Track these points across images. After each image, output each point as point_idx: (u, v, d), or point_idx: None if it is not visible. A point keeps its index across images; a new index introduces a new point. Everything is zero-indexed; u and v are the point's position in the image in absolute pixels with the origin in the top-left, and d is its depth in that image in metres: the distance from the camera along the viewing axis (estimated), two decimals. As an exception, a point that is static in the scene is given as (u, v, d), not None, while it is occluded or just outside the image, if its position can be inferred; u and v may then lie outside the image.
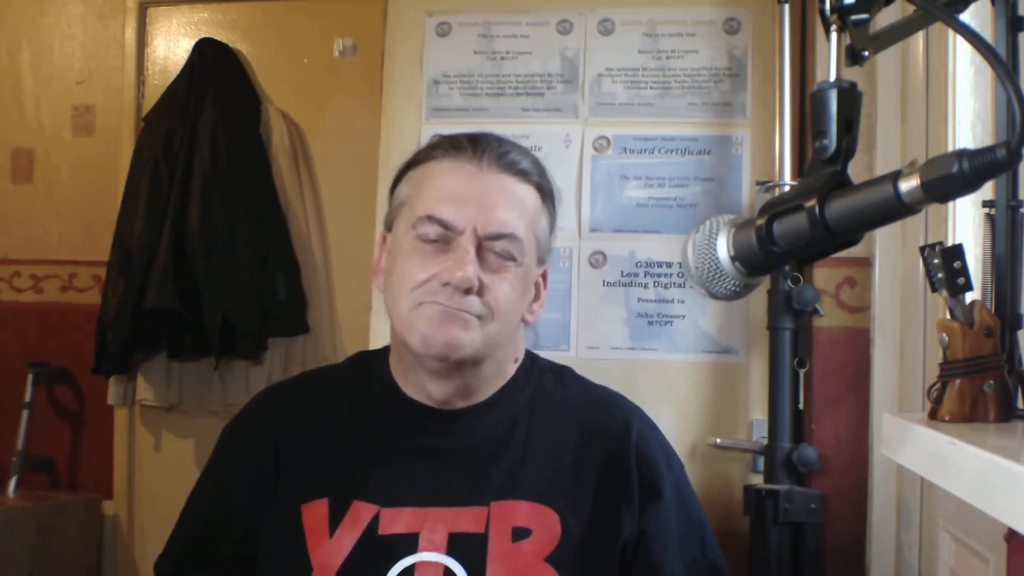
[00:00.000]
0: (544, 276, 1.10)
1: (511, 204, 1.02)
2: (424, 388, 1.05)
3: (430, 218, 0.99)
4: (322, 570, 0.97)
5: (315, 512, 1.00)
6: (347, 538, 0.98)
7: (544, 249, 1.08)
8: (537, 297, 1.09)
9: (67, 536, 2.65)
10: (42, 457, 2.80)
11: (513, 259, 1.01)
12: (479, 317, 0.99)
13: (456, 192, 1.00)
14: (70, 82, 2.92)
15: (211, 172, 2.51)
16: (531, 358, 1.13)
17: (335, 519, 1.00)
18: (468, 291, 0.97)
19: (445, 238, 0.99)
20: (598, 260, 1.81)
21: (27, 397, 2.75)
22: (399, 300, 1.01)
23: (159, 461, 2.76)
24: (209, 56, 2.64)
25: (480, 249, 0.99)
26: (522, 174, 1.04)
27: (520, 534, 0.98)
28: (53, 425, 2.85)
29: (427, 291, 0.98)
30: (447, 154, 1.04)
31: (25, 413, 2.74)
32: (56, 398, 2.88)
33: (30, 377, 2.77)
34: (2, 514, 2.51)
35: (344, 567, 0.97)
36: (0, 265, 2.95)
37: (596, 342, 1.80)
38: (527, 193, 1.04)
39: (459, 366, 1.02)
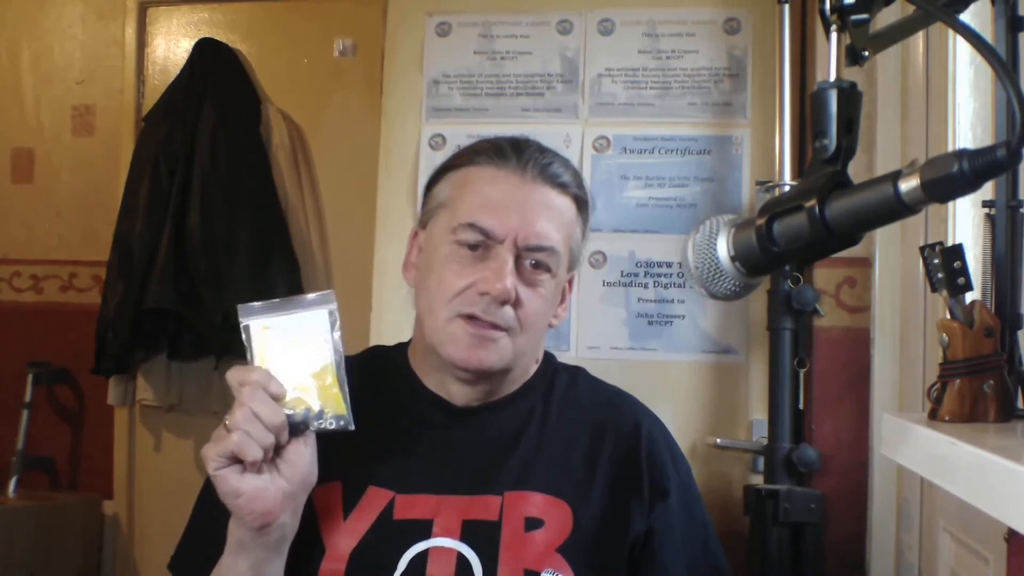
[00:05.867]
0: (570, 281, 1.12)
1: (551, 216, 1.03)
2: (446, 388, 1.07)
3: (471, 225, 1.01)
4: (335, 552, 0.98)
5: (327, 494, 1.01)
6: (361, 522, 1.00)
7: (575, 257, 1.10)
8: (562, 301, 1.11)
9: (67, 536, 2.66)
10: (42, 457, 2.80)
11: (549, 271, 1.03)
12: (509, 331, 1.01)
13: (498, 201, 1.02)
14: (70, 82, 2.92)
15: (211, 172, 2.51)
16: (547, 358, 1.15)
17: (349, 503, 1.01)
18: (504, 302, 0.99)
19: (484, 246, 1.01)
20: (598, 260, 1.81)
21: (27, 397, 2.75)
22: (435, 307, 1.02)
23: (159, 461, 2.76)
24: (209, 56, 2.64)
25: (517, 259, 1.01)
26: (563, 186, 1.06)
27: (532, 524, 1.00)
28: (53, 425, 2.85)
29: (464, 301, 1.00)
30: (491, 160, 1.05)
31: (25, 413, 2.74)
32: (56, 398, 2.88)
33: (30, 377, 2.77)
34: (2, 514, 2.52)
35: (358, 550, 0.98)
36: (0, 265, 2.95)
37: (596, 342, 1.80)
38: (565, 205, 1.06)
39: (487, 376, 1.04)
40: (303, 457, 0.90)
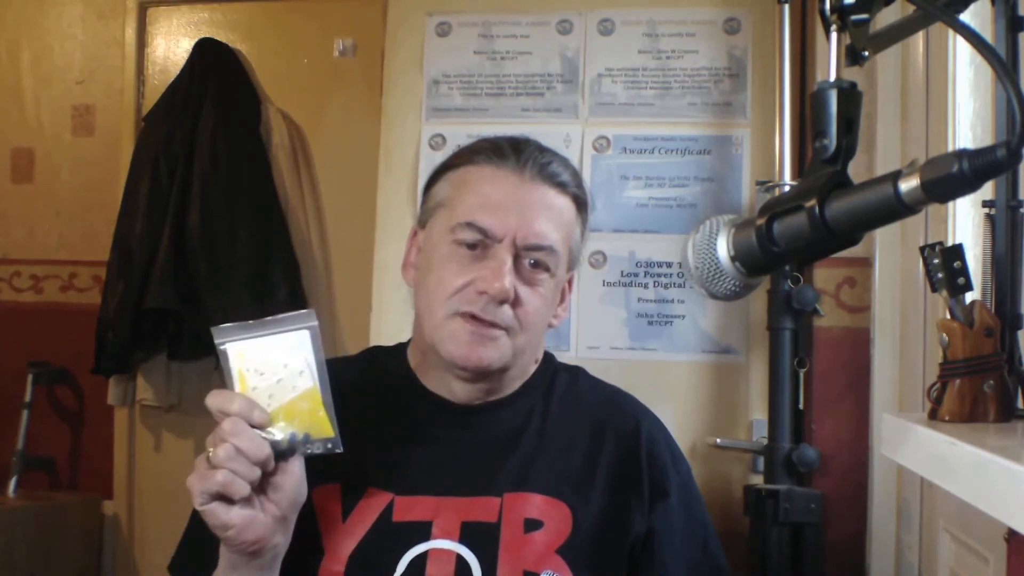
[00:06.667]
0: (570, 281, 1.12)
1: (550, 216, 1.03)
2: (448, 387, 1.07)
3: (469, 225, 1.01)
4: (334, 553, 0.98)
5: (327, 496, 1.01)
6: (361, 524, 0.99)
7: (575, 257, 1.10)
8: (562, 301, 1.11)
9: (67, 536, 2.66)
10: (42, 457, 2.81)
11: (548, 270, 1.03)
12: (508, 330, 1.01)
13: (497, 200, 1.02)
14: (70, 82, 2.92)
15: (211, 172, 2.51)
16: (547, 358, 1.15)
17: (349, 505, 1.01)
18: (503, 302, 0.99)
19: (483, 245, 1.01)
20: (598, 260, 1.81)
21: (27, 397, 2.75)
22: (434, 306, 1.02)
23: (159, 461, 2.76)
24: (209, 56, 2.64)
25: (516, 259, 1.01)
26: (562, 185, 1.05)
27: (532, 525, 1.00)
28: (53, 425, 2.86)
29: (463, 299, 1.00)
30: (489, 160, 1.05)
31: (25, 413, 2.74)
32: (56, 398, 2.88)
33: (30, 377, 2.77)
34: (2, 514, 2.52)
35: (357, 552, 0.98)
36: (0, 265, 2.95)
37: (596, 342, 1.80)
38: (564, 204, 1.06)
39: (487, 375, 1.04)
40: (291, 481, 0.87)
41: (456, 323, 1.00)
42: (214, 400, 0.86)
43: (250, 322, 0.87)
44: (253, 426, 0.85)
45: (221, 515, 0.84)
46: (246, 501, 0.85)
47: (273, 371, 0.86)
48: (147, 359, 2.62)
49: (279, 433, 0.86)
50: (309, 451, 0.87)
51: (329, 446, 0.87)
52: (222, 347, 0.86)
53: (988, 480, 0.65)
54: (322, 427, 0.87)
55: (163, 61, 2.84)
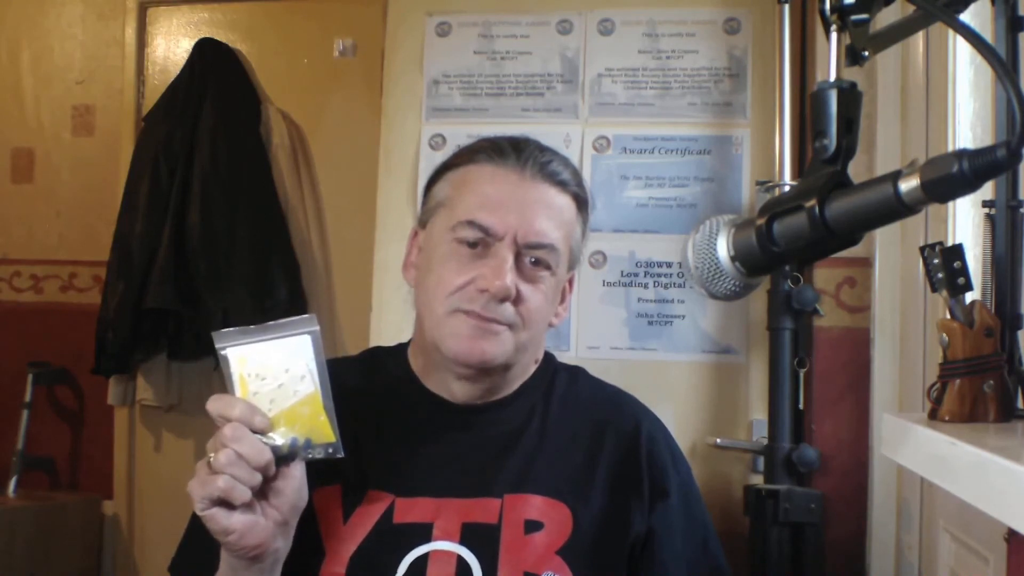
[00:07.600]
0: (571, 280, 1.12)
1: (551, 214, 1.04)
2: (448, 387, 1.07)
3: (470, 223, 1.01)
4: (335, 555, 0.98)
5: (328, 497, 1.01)
6: (361, 525, 0.99)
7: (575, 256, 1.10)
8: (562, 300, 1.11)
9: (67, 536, 2.66)
10: (42, 457, 2.81)
11: (548, 268, 1.03)
12: (510, 326, 1.01)
13: (497, 199, 1.02)
14: (70, 82, 2.93)
15: (211, 172, 2.52)
16: (547, 358, 1.15)
17: (349, 506, 1.01)
18: (504, 299, 0.99)
19: (484, 243, 1.01)
20: (598, 260, 1.81)
21: (27, 397, 2.75)
22: (434, 304, 1.02)
23: (159, 461, 2.76)
24: (209, 56, 2.65)
25: (517, 257, 1.01)
26: (562, 184, 1.06)
27: (532, 527, 1.00)
28: (53, 425, 2.86)
29: (463, 297, 1.00)
30: (490, 159, 1.05)
31: (25, 413, 2.74)
32: (56, 398, 2.88)
33: (30, 377, 2.77)
34: (2, 514, 2.52)
35: (358, 553, 0.98)
36: (0, 265, 2.95)
37: (596, 342, 1.80)
38: (565, 203, 1.06)
39: (488, 372, 1.04)
40: (292, 486, 0.87)
41: (457, 319, 1.00)
42: (215, 405, 0.86)
43: (251, 327, 0.87)
44: (254, 431, 0.85)
45: (222, 520, 0.84)
46: (247, 506, 0.85)
47: (274, 376, 0.86)
48: (147, 359, 2.62)
49: (280, 438, 0.86)
50: (310, 456, 0.87)
51: (330, 451, 0.88)
52: (223, 352, 0.86)
53: (988, 480, 0.65)
54: (323, 432, 0.87)
55: (163, 61, 2.84)
